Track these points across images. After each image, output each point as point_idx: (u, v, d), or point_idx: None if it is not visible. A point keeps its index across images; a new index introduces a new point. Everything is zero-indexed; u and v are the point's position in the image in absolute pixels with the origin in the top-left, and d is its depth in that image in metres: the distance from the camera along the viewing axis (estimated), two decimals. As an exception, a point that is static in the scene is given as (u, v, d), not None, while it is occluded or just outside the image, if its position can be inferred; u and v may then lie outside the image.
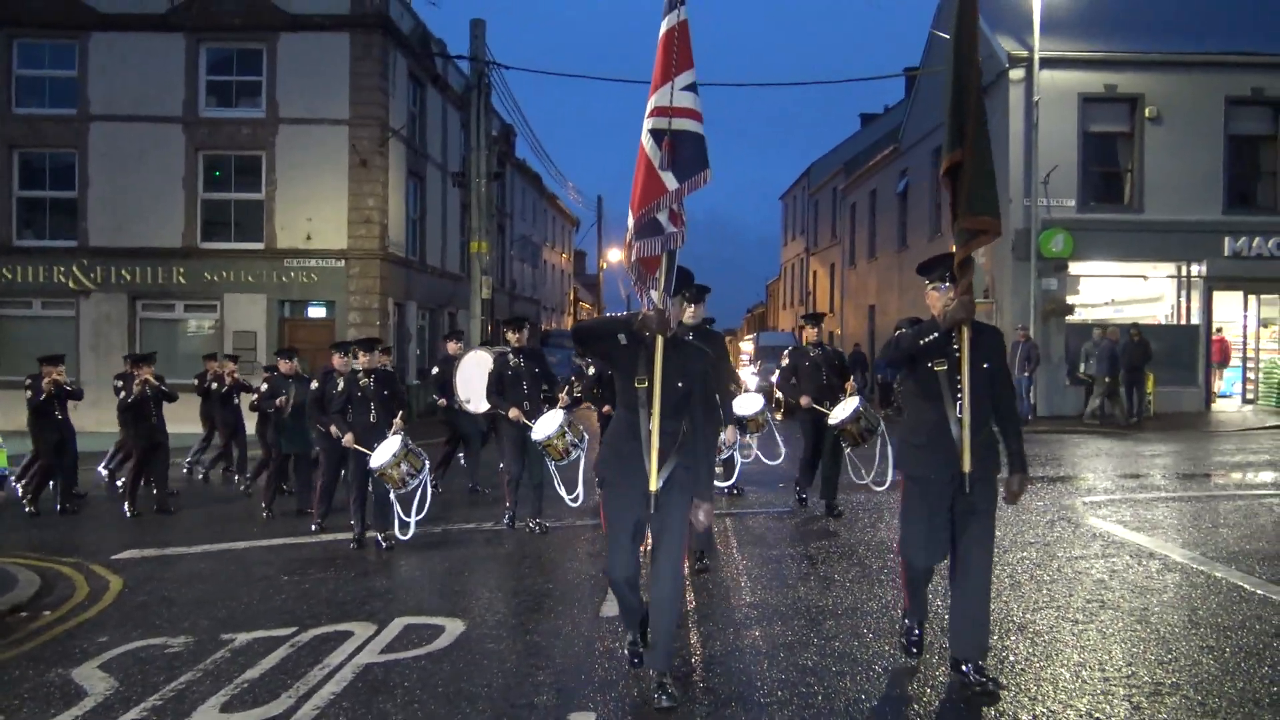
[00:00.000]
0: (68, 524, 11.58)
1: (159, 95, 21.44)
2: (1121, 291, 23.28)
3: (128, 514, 11.71)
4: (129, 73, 21.38)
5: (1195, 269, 22.20)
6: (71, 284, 21.50)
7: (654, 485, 4.81)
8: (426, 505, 9.33)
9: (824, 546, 8.78)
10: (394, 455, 8.95)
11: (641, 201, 4.95)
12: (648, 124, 5.01)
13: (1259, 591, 6.75)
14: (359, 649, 6.05)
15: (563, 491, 9.35)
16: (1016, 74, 21.80)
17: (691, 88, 5.00)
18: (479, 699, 5.09)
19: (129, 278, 21.50)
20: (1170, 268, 22.50)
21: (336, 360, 9.87)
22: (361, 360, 9.70)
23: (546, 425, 9.12)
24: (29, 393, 12.12)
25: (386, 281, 22.17)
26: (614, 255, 53.51)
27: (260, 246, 21.65)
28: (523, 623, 6.57)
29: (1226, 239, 21.66)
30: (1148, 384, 20.61)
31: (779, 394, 12.02)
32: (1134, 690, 4.89)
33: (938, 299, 5.09)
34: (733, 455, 10.16)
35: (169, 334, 21.76)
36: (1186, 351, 22.20)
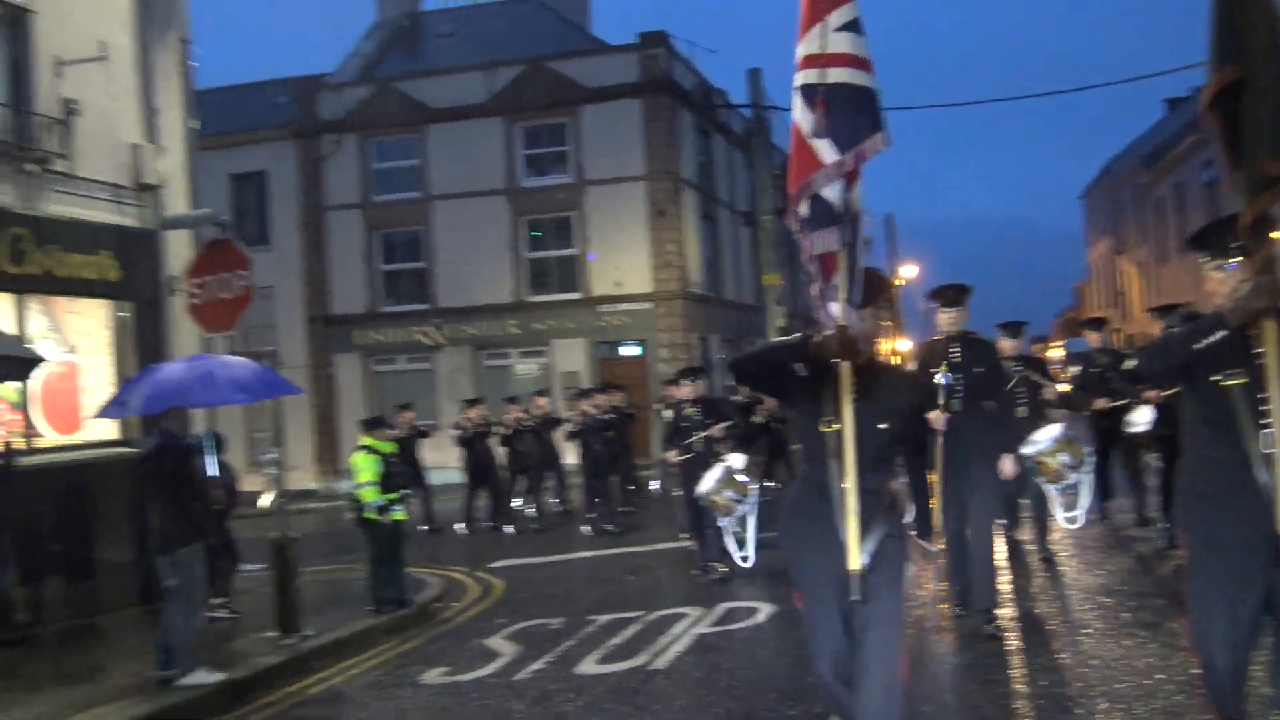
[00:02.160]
0: (446, 542, 14.12)
1: (485, 172, 24.63)
2: None
3: (587, 531, 13.25)
4: (459, 156, 24.73)
5: None
6: (427, 341, 25.10)
7: (855, 563, 3.78)
8: (751, 536, 9.17)
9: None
10: (717, 481, 8.96)
11: (794, 182, 3.96)
12: (797, 80, 3.97)
13: None
14: (694, 624, 7.63)
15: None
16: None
17: (852, 26, 3.87)
18: (790, 655, 6.47)
19: (472, 332, 24.79)
20: None
21: (685, 389, 10.08)
22: (684, 390, 10.13)
23: None
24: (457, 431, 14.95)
25: (689, 318, 24.18)
26: (906, 271, 53.50)
27: (578, 296, 24.31)
28: (825, 605, 7.86)
29: None
30: None
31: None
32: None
33: (1222, 282, 3.66)
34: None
35: (503, 378, 24.74)
36: None
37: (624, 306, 24.08)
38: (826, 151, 3.85)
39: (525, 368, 25.03)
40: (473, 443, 14.79)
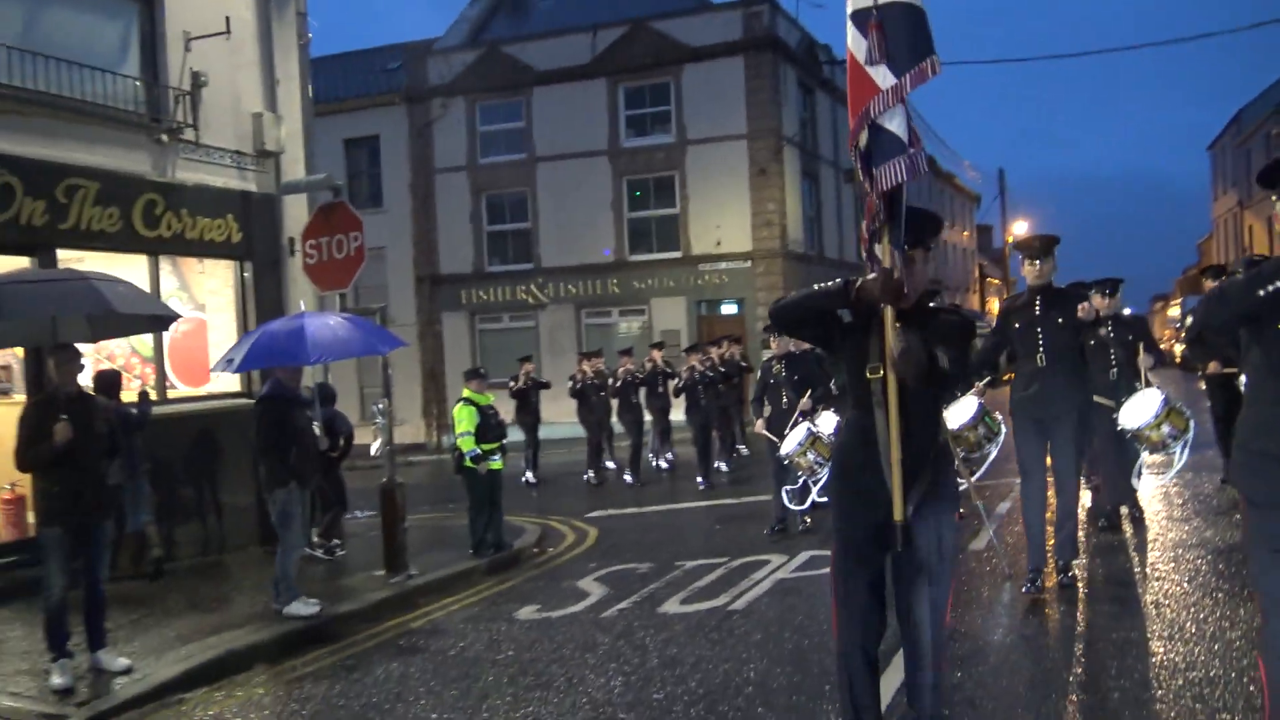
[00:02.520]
0: (550, 493, 14.69)
1: (587, 133, 25.00)
2: None
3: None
4: (562, 117, 25.12)
5: None
6: (530, 300, 25.72)
7: (900, 514, 3.67)
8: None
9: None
10: (800, 444, 8.84)
11: (853, 113, 3.81)
12: (850, 6, 3.83)
13: None
14: (775, 570, 7.95)
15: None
16: None
17: None
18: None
19: (574, 291, 25.32)
20: None
21: (773, 345, 9.99)
22: (773, 346, 9.99)
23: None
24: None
25: (788, 277, 24.18)
26: (1019, 228, 52.03)
27: (678, 255, 24.58)
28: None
29: None
30: None
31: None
32: None
33: None
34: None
35: (605, 336, 25.18)
36: None
37: (724, 265, 24.27)
38: (883, 77, 3.70)
39: (626, 325, 25.46)
40: (587, 394, 15.22)
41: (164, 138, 9.88)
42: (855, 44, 3.78)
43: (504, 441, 9.99)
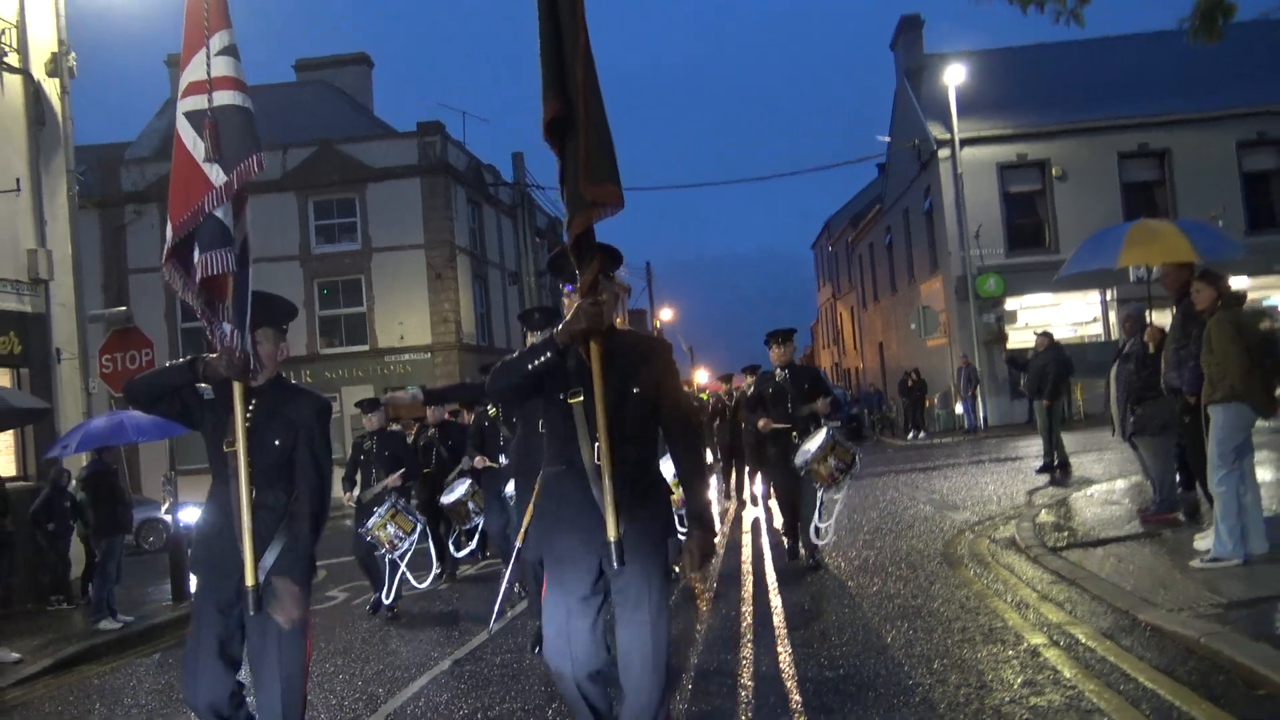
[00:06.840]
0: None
1: (280, 240, 27.88)
2: (1069, 316, 28.06)
3: None
4: (257, 225, 27.21)
5: (1109, 294, 27.13)
6: (226, 390, 27.89)
7: (250, 579, 3.87)
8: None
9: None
10: (379, 516, 9.19)
11: (181, 207, 4.00)
12: (182, 106, 4.06)
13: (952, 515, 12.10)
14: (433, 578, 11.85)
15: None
16: (944, 153, 27.21)
17: (231, 50, 4.07)
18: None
19: (269, 381, 27.84)
20: (1095, 294, 27.43)
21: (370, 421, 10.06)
22: (366, 422, 10.06)
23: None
24: None
25: (463, 366, 28.30)
26: (666, 314, 59.36)
27: (365, 348, 28.00)
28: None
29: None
30: (1076, 391, 25.58)
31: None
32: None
33: (568, 308, 3.88)
34: None
35: (300, 422, 27.84)
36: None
37: (407, 357, 27.97)
38: (216, 174, 3.96)
39: (318, 411, 28.25)
40: None
41: (-41, 273, 12.44)
42: (191, 141, 4.01)
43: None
